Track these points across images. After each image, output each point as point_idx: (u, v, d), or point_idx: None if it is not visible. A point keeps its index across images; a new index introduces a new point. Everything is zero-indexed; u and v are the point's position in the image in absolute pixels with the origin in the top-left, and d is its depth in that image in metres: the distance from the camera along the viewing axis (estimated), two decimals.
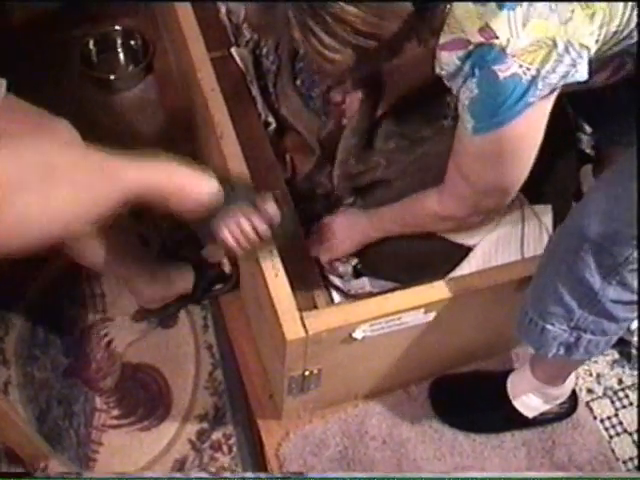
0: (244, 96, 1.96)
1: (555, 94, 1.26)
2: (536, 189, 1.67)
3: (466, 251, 1.66)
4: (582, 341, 1.40)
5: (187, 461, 1.78)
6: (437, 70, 1.30)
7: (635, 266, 1.26)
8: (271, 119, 1.95)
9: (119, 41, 2.31)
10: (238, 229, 1.33)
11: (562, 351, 1.43)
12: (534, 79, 1.20)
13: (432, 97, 1.73)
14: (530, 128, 1.29)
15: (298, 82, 1.97)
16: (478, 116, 1.28)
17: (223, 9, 2.10)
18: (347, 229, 1.74)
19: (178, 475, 1.76)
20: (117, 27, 2.28)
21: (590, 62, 1.26)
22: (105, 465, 1.77)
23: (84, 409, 1.84)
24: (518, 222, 1.66)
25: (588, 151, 2.06)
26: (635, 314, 1.37)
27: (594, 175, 1.93)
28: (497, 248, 1.65)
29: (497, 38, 1.19)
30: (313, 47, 1.26)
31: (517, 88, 1.21)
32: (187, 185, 1.22)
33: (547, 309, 1.39)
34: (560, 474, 1.76)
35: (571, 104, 1.79)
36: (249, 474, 1.77)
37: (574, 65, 1.22)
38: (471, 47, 1.22)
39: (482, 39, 1.20)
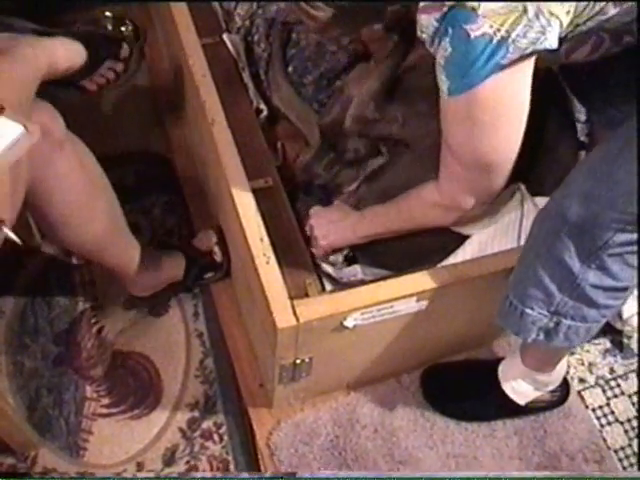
0: (236, 83, 1.95)
1: (528, 64, 1.29)
2: (537, 180, 1.67)
3: (462, 240, 1.65)
4: (562, 327, 1.40)
5: (177, 450, 1.77)
6: (418, 33, 1.33)
7: (616, 250, 1.26)
8: (263, 106, 1.94)
9: (109, 27, 2.28)
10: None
11: (542, 336, 1.43)
12: (503, 40, 1.23)
13: None
14: (503, 93, 1.31)
15: (290, 69, 1.95)
16: (451, 76, 1.31)
17: None
18: (334, 224, 1.74)
19: (174, 476, 1.75)
20: (107, 13, 2.26)
21: (565, 37, 1.29)
22: (95, 454, 1.76)
23: (74, 398, 1.83)
24: (518, 214, 1.65)
25: (583, 139, 2.05)
26: (617, 302, 1.37)
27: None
28: (494, 238, 1.65)
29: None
30: (301, 8, 1.32)
31: (487, 48, 1.24)
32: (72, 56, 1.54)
33: (527, 292, 1.39)
34: (559, 474, 1.76)
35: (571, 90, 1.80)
36: (244, 474, 1.77)
37: (543, 32, 1.23)
38: (445, 9, 1.26)
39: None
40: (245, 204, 1.52)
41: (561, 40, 1.28)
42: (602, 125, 1.75)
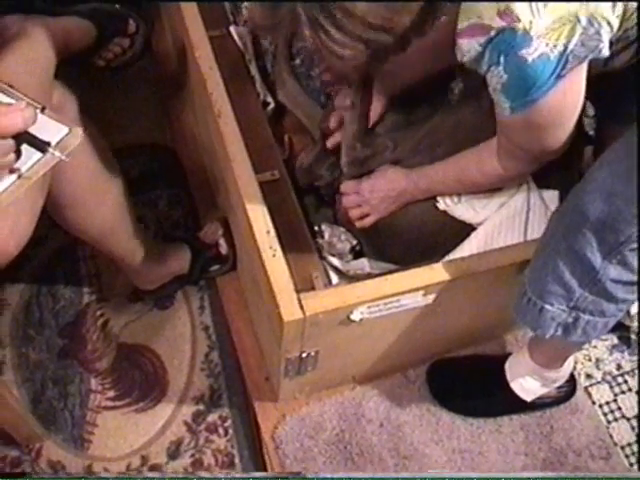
0: (243, 75, 1.93)
1: (585, 64, 1.26)
2: (543, 173, 1.66)
3: (470, 230, 1.64)
4: (580, 322, 1.39)
5: (182, 443, 1.77)
6: (458, 58, 1.29)
7: (637, 245, 1.25)
8: (270, 99, 1.92)
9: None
10: None
11: (560, 332, 1.42)
12: (562, 55, 1.21)
13: (435, 85, 1.72)
14: (566, 96, 1.30)
15: (297, 61, 1.94)
16: (512, 97, 1.29)
17: None
18: (386, 192, 1.71)
19: (180, 475, 1.75)
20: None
21: (612, 43, 1.27)
22: (100, 447, 1.76)
23: (79, 390, 1.83)
24: (524, 206, 1.64)
25: (591, 133, 2.05)
26: (634, 296, 1.36)
27: (594, 156, 1.91)
28: (500, 231, 1.64)
29: (519, 21, 1.18)
30: (323, 43, 1.22)
31: (547, 66, 1.21)
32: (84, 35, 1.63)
33: (546, 288, 1.38)
34: (562, 474, 1.75)
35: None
36: (244, 474, 1.76)
37: (600, 39, 1.22)
38: (493, 32, 1.21)
39: (504, 23, 1.19)
40: (251, 197, 1.51)
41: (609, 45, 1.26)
42: (612, 120, 1.73)
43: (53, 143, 1.02)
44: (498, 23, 1.19)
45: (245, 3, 2.04)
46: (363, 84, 1.75)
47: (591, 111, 2.02)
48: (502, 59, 1.23)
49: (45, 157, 1.01)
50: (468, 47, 1.26)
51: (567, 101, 1.31)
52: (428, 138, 1.70)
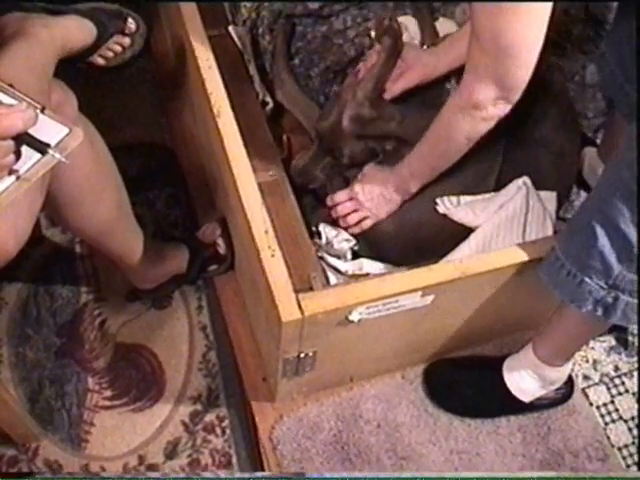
0: (242, 75, 1.93)
1: None
2: (540, 174, 1.66)
3: (467, 234, 1.65)
4: (620, 302, 1.39)
5: (180, 443, 1.77)
6: None
7: None
8: (268, 99, 1.92)
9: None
10: None
11: (600, 311, 1.42)
12: None
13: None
14: None
15: (296, 61, 1.95)
16: None
17: None
18: (379, 193, 1.71)
19: (181, 476, 1.75)
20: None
21: None
22: (97, 446, 1.76)
23: (76, 389, 1.82)
24: (523, 208, 1.64)
25: (590, 135, 2.05)
26: None
27: (600, 155, 1.92)
28: (499, 232, 1.64)
29: None
30: None
31: None
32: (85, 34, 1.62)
33: (586, 261, 1.38)
34: (560, 474, 1.75)
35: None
36: (245, 474, 1.76)
37: None
38: None
39: None
40: (250, 197, 1.51)
41: None
42: (623, 114, 1.73)
43: (53, 144, 1.02)
44: None
45: (244, 2, 2.05)
46: (394, 48, 1.75)
47: (589, 113, 2.02)
48: None
49: (45, 158, 1.01)
50: None
51: None
52: (419, 134, 1.70)
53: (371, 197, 1.72)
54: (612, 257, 1.35)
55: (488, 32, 1.35)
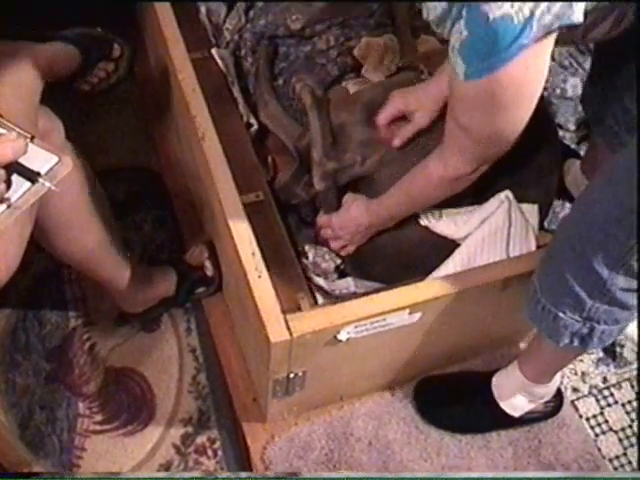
0: (226, 97, 1.94)
1: (551, 38, 1.19)
2: (521, 186, 1.67)
3: (452, 245, 1.65)
4: (596, 332, 1.39)
5: (172, 466, 1.77)
6: (424, 15, 1.25)
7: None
8: (253, 120, 1.93)
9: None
10: None
11: (576, 342, 1.42)
12: (527, 20, 1.12)
13: None
14: (526, 73, 1.21)
15: (280, 81, 1.95)
16: (469, 60, 1.20)
17: (203, 9, 2.08)
18: (355, 228, 1.72)
19: (186, 475, 1.75)
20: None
21: (587, 13, 1.20)
22: (89, 471, 1.75)
23: (67, 415, 1.82)
24: (505, 221, 1.65)
25: (573, 146, 2.07)
26: None
27: (582, 170, 1.93)
28: (483, 247, 1.65)
29: None
30: None
31: (509, 30, 1.13)
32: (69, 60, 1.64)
33: (558, 297, 1.38)
34: (560, 474, 1.76)
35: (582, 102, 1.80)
36: (243, 474, 1.76)
37: (570, 5, 1.13)
38: None
39: None
40: (236, 219, 1.52)
41: (584, 14, 1.18)
42: (602, 136, 1.74)
43: (43, 172, 1.03)
44: None
45: (226, 24, 2.06)
46: (318, 102, 1.77)
47: (572, 126, 2.04)
48: (464, 12, 1.16)
49: (35, 187, 1.02)
50: (433, 4, 1.20)
51: (529, 78, 1.23)
52: (395, 150, 1.72)
53: (348, 231, 1.73)
54: (583, 293, 1.34)
55: (483, 128, 1.35)
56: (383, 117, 1.70)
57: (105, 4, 1.91)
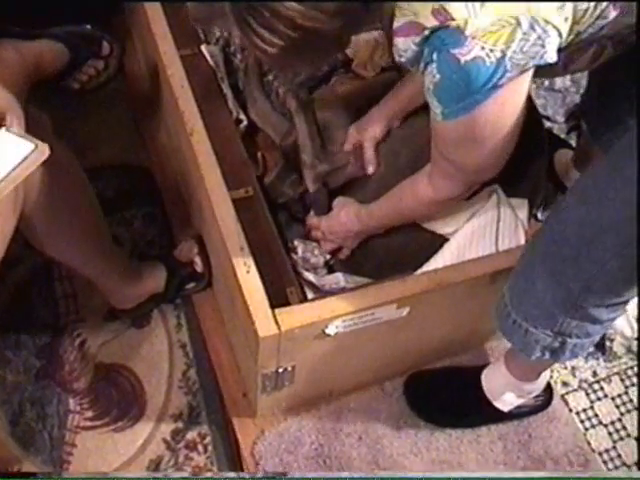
0: (215, 93, 1.94)
1: (529, 74, 1.19)
2: (510, 180, 1.68)
3: (441, 240, 1.66)
4: (567, 345, 1.39)
5: (162, 461, 1.77)
6: (396, 58, 1.25)
7: (615, 272, 1.23)
8: (242, 116, 1.93)
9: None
10: None
11: (547, 355, 1.43)
12: (499, 62, 1.13)
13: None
14: (503, 109, 1.22)
15: (270, 77, 1.96)
16: (444, 102, 1.22)
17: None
18: (344, 234, 1.74)
19: (185, 475, 1.76)
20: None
21: (566, 47, 1.23)
22: (79, 467, 1.75)
23: (57, 411, 1.82)
24: (494, 216, 1.65)
25: (563, 136, 2.08)
26: (619, 312, 1.35)
27: (574, 164, 1.94)
28: (472, 241, 1.65)
29: (453, 20, 1.12)
30: (252, 42, 1.22)
31: (481, 72, 1.14)
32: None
33: (529, 312, 1.38)
34: (560, 474, 1.76)
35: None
36: (231, 474, 1.76)
37: (543, 45, 1.14)
38: (427, 32, 1.15)
39: (437, 22, 1.13)
40: (225, 214, 1.52)
41: (560, 50, 1.19)
42: (592, 138, 1.75)
43: (20, 160, 1.04)
44: (432, 22, 1.13)
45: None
46: (303, 105, 1.77)
47: (560, 117, 2.05)
48: (435, 56, 1.17)
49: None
50: (404, 46, 1.20)
51: (505, 114, 1.24)
52: (386, 148, 1.72)
53: (337, 235, 1.75)
54: (554, 309, 1.33)
55: (466, 162, 1.37)
56: (347, 149, 1.76)
57: (94, 2, 1.91)
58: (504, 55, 1.13)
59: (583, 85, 2.19)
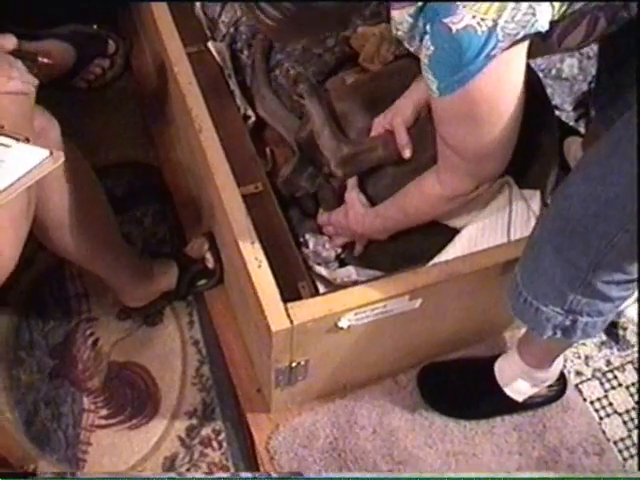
0: (222, 90, 1.94)
1: (521, 47, 1.19)
2: (520, 170, 1.67)
3: (453, 233, 1.65)
4: (578, 324, 1.39)
5: (177, 458, 1.77)
6: (393, 32, 1.25)
7: (623, 248, 1.23)
8: (250, 112, 1.93)
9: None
10: None
11: (559, 334, 1.42)
12: (491, 31, 1.13)
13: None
14: (498, 84, 1.22)
15: (277, 73, 1.95)
16: (439, 75, 1.22)
17: (198, 3, 2.08)
18: (353, 230, 1.73)
19: (197, 475, 1.76)
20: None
21: (558, 20, 1.21)
22: (95, 465, 1.76)
23: (72, 410, 1.83)
24: (506, 207, 1.64)
25: (572, 124, 2.07)
26: (630, 292, 1.34)
27: (585, 150, 1.93)
28: (484, 233, 1.64)
29: None
30: (254, 15, 1.24)
31: (473, 42, 1.14)
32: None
33: (539, 290, 1.38)
34: (560, 474, 1.76)
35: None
36: (247, 474, 1.76)
37: (533, 13, 1.14)
38: (420, 2, 1.17)
39: None
40: (235, 209, 1.52)
41: (552, 24, 1.19)
42: (601, 123, 1.74)
43: (35, 165, 1.05)
44: None
45: (222, 17, 2.06)
46: (316, 90, 1.76)
47: (567, 106, 2.04)
48: (429, 27, 1.17)
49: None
50: (400, 19, 1.21)
51: (501, 91, 1.24)
52: (416, 142, 1.71)
53: (347, 232, 1.74)
54: (564, 286, 1.33)
55: (467, 145, 1.36)
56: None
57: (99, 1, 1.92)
58: (496, 24, 1.13)
59: (591, 73, 2.20)
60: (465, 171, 1.43)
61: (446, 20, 1.14)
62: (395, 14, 1.22)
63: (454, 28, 1.14)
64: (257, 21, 1.25)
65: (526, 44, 1.20)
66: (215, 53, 1.96)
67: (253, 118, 1.93)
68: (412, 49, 1.27)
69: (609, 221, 1.22)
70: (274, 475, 1.73)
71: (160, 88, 1.96)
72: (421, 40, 1.21)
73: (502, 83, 1.23)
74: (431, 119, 1.65)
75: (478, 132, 1.31)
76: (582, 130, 2.12)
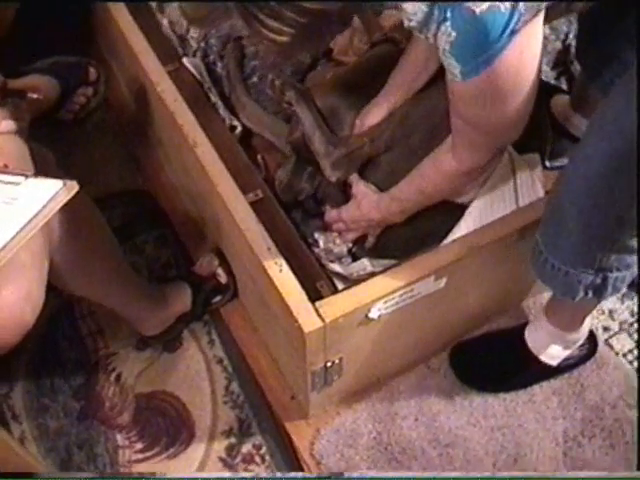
0: (204, 104, 1.90)
1: (541, 14, 1.18)
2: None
3: (461, 209, 1.64)
4: (609, 280, 1.38)
5: None
6: (405, 24, 1.22)
7: None
8: (236, 122, 1.91)
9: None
10: None
11: (591, 294, 1.41)
12: (514, 6, 1.11)
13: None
14: (521, 57, 1.20)
15: (255, 79, 1.94)
16: (463, 60, 1.19)
17: (165, 22, 2.05)
18: (367, 220, 1.70)
19: (226, 475, 1.74)
20: None
21: None
22: None
23: (106, 449, 1.79)
24: (509, 175, 1.63)
25: (553, 82, 2.07)
26: None
27: (572, 107, 1.92)
28: (492, 204, 1.63)
29: None
30: (260, 34, 1.20)
31: (497, 19, 1.11)
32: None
33: (566, 253, 1.36)
34: (564, 475, 1.73)
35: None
36: (298, 474, 1.74)
37: None
38: None
39: None
40: (245, 217, 1.51)
41: None
42: (600, 89, 1.73)
43: (50, 197, 1.03)
44: None
45: (190, 33, 2.04)
46: (302, 94, 1.75)
47: (545, 67, 2.05)
48: (449, 13, 1.14)
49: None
50: (413, 9, 1.17)
51: (525, 61, 1.22)
52: (401, 127, 1.70)
53: (359, 224, 1.72)
54: (592, 245, 1.33)
55: (489, 120, 1.33)
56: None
57: (65, 32, 1.89)
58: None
59: (563, 31, 2.20)
60: (483, 144, 1.41)
61: (469, 4, 1.12)
62: (408, 5, 1.18)
63: (478, 10, 1.11)
64: (265, 40, 1.21)
65: (543, 12, 1.18)
66: (192, 68, 1.94)
67: (239, 128, 1.91)
68: (424, 37, 1.22)
69: (631, 174, 1.21)
70: (314, 475, 1.70)
71: (140, 112, 1.93)
72: (438, 28, 1.18)
73: (525, 55, 1.21)
74: (414, 104, 1.66)
75: (503, 107, 1.29)
76: (564, 87, 2.12)
